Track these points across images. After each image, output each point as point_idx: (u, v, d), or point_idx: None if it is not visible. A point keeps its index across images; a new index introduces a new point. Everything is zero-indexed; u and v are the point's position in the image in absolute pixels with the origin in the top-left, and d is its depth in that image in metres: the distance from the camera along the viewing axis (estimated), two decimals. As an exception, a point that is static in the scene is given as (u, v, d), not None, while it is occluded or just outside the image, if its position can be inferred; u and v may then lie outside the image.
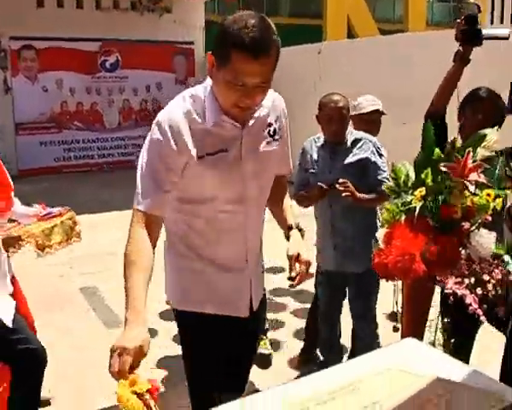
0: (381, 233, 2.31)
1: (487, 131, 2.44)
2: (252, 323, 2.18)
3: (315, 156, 3.25)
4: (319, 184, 3.13)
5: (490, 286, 2.24)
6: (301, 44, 9.89)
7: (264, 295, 2.31)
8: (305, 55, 9.59)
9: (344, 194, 3.01)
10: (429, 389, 1.55)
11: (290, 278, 1.99)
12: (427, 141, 2.30)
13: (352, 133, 3.23)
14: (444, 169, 2.24)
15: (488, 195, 2.33)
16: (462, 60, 2.67)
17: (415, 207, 2.19)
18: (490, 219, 2.38)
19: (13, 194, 3.22)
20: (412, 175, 2.30)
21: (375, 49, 8.69)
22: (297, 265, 1.96)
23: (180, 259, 2.06)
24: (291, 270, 2.00)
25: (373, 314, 3.33)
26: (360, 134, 3.24)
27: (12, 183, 3.11)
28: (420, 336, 2.32)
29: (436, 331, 2.49)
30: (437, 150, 2.28)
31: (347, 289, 3.38)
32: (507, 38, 2.64)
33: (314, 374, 1.71)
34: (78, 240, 3.44)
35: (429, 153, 2.29)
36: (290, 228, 2.12)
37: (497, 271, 2.26)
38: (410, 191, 2.27)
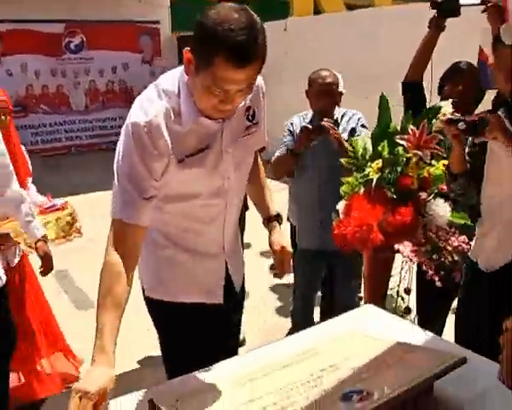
0: (341, 205, 2.37)
1: (442, 103, 2.52)
2: (233, 310, 2.12)
3: None
4: (304, 124, 3.14)
5: (446, 253, 2.33)
6: (268, 21, 9.88)
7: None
8: (271, 31, 9.56)
9: (332, 132, 2.98)
10: (385, 351, 1.62)
11: (274, 270, 2.03)
12: (383, 115, 2.36)
13: (338, 108, 3.26)
14: (400, 142, 2.32)
15: (444, 165, 2.42)
16: (436, 27, 2.73)
17: (372, 179, 2.26)
18: (446, 188, 2.47)
19: (30, 179, 3.40)
20: (370, 148, 2.37)
21: (340, 24, 8.71)
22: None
23: (156, 247, 1.95)
24: (276, 263, 2.03)
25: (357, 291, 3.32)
26: (346, 109, 3.27)
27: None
28: (381, 304, 2.39)
29: (397, 299, 2.57)
30: (393, 124, 2.35)
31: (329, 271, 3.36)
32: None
33: (278, 342, 1.78)
34: (78, 236, 3.46)
35: (385, 126, 2.35)
36: (270, 219, 2.10)
37: (453, 238, 2.34)
38: (368, 164, 2.34)
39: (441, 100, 2.75)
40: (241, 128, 1.85)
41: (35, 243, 2.85)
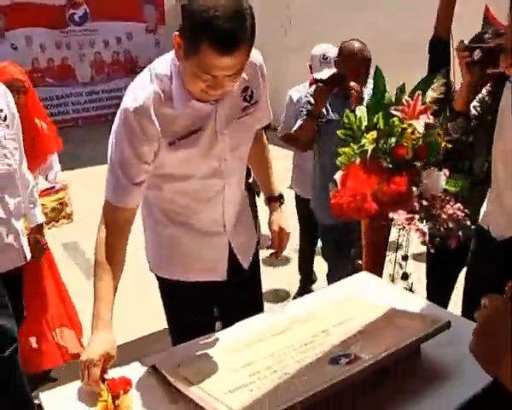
0: (338, 175, 2.43)
1: (437, 74, 2.55)
2: (241, 287, 2.12)
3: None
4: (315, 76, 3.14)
5: (441, 220, 2.38)
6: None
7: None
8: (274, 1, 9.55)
9: (353, 84, 2.99)
10: (376, 316, 1.71)
11: (271, 250, 2.10)
12: (378, 86, 2.40)
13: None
14: (394, 113, 2.36)
15: (438, 134, 2.46)
16: None
17: (367, 150, 2.31)
18: (441, 157, 2.52)
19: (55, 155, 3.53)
20: (365, 119, 2.41)
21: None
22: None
23: (157, 225, 2.01)
24: (274, 243, 2.10)
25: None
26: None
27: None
28: (379, 271, 2.47)
29: (395, 266, 2.64)
30: (387, 95, 2.39)
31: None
32: None
33: (275, 307, 1.87)
34: (67, 221, 3.50)
35: (380, 97, 2.40)
36: (271, 199, 2.16)
37: (448, 206, 2.40)
38: (364, 135, 2.39)
39: None
40: (238, 109, 1.85)
41: (30, 228, 2.93)
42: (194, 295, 2.02)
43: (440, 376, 1.55)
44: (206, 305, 2.10)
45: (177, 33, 1.59)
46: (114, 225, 1.72)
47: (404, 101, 2.37)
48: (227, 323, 1.99)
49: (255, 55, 1.82)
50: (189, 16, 1.53)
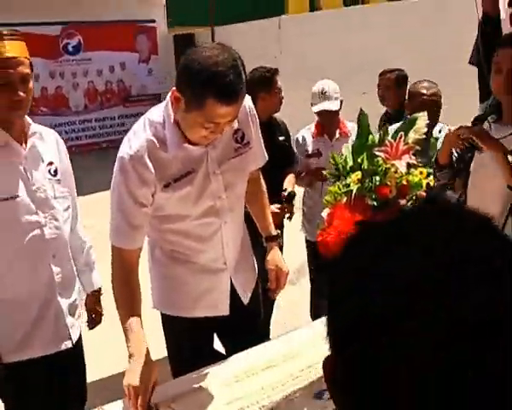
0: (325, 213, 2.53)
1: (418, 115, 2.68)
2: (241, 320, 2.16)
3: None
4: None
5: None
6: (262, 18, 10.02)
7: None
8: (264, 29, 9.73)
9: None
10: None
11: (269, 290, 2.17)
12: (362, 128, 2.52)
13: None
14: (378, 153, 2.48)
15: (421, 173, 2.58)
16: None
17: (352, 190, 2.42)
18: (425, 194, 2.64)
19: None
20: (350, 160, 2.53)
21: (336, 21, 8.80)
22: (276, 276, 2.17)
23: (160, 266, 2.11)
24: (271, 282, 2.17)
25: None
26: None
27: None
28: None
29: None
30: (371, 136, 2.51)
31: None
32: None
33: (260, 346, 1.96)
34: None
35: (365, 139, 2.52)
36: (268, 239, 2.23)
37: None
38: (349, 174, 2.50)
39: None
40: (230, 150, 1.99)
41: (86, 296, 2.49)
42: (194, 326, 2.11)
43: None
44: (206, 334, 2.19)
45: (174, 89, 1.74)
46: (123, 264, 1.86)
47: (387, 142, 2.49)
48: (226, 347, 2.20)
49: (245, 99, 1.93)
50: (189, 73, 1.68)
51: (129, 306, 1.79)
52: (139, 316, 1.79)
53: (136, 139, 1.84)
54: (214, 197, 1.96)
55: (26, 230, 2.03)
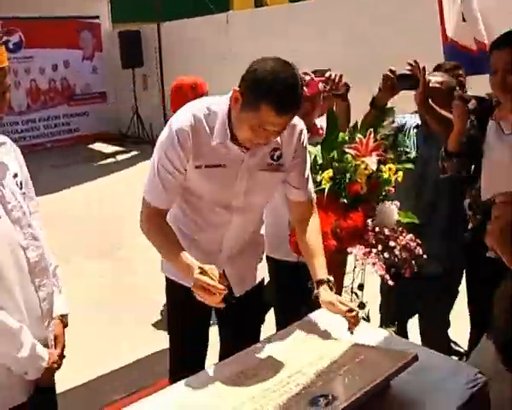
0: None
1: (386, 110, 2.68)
2: (233, 312, 2.15)
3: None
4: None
5: (396, 251, 2.49)
6: (206, 14, 9.94)
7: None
8: (212, 25, 9.66)
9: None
10: (344, 353, 1.78)
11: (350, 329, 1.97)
12: (331, 125, 2.50)
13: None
14: (348, 151, 2.47)
15: (390, 169, 2.58)
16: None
17: (324, 189, 2.40)
18: (393, 190, 2.64)
19: None
20: (319, 158, 2.51)
21: (284, 17, 8.80)
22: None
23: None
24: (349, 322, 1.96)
25: None
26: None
27: None
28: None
29: (352, 295, 2.73)
30: (341, 134, 2.50)
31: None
32: None
33: (243, 351, 1.91)
34: None
35: (334, 136, 2.50)
36: (320, 282, 2.05)
37: (401, 237, 2.51)
38: (320, 172, 2.48)
39: None
40: (263, 162, 2.08)
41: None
42: (191, 297, 2.02)
43: (411, 406, 1.63)
44: (201, 310, 2.13)
45: (236, 89, 1.87)
46: (149, 218, 2.04)
47: (357, 139, 2.48)
48: (223, 325, 2.44)
49: (297, 120, 2.09)
50: (253, 77, 1.82)
51: (166, 237, 2.00)
52: (179, 246, 1.97)
53: (188, 114, 1.99)
54: (232, 196, 2.09)
55: (8, 255, 1.74)
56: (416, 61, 2.74)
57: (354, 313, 1.94)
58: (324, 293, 2.00)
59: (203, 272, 1.81)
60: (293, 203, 2.23)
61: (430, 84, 2.70)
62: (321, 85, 2.68)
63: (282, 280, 2.93)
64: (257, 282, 2.42)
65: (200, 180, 2.04)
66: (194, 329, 2.36)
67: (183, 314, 2.33)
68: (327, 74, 2.70)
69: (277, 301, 3.09)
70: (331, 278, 2.09)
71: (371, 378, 1.55)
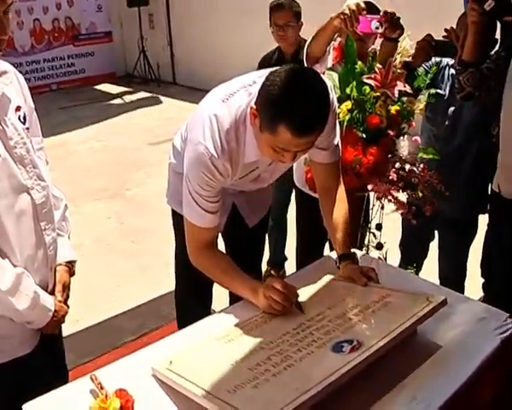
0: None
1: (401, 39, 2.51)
2: (244, 237, 2.30)
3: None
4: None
5: (419, 189, 2.37)
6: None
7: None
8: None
9: None
10: (367, 296, 1.67)
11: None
12: (349, 54, 2.34)
13: None
14: (367, 81, 2.32)
15: (410, 102, 2.43)
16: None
17: (342, 122, 2.26)
18: (414, 125, 2.50)
19: None
20: (337, 89, 2.36)
21: None
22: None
23: (178, 173, 2.06)
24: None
25: None
26: None
27: None
28: (354, 240, 2.43)
29: (369, 234, 2.63)
30: (359, 63, 2.34)
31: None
32: None
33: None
34: None
35: (352, 66, 2.34)
36: (342, 257, 1.90)
37: (423, 174, 2.39)
38: (338, 105, 2.33)
39: None
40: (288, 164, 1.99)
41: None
42: None
43: (438, 354, 1.53)
44: None
45: (253, 106, 1.65)
46: (206, 243, 1.85)
47: (376, 69, 2.33)
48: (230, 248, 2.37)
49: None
50: (269, 94, 1.58)
51: (221, 268, 1.84)
52: (236, 273, 1.81)
53: (215, 139, 1.74)
54: (252, 174, 1.98)
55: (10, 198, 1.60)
56: (452, 28, 2.60)
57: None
58: (344, 269, 1.85)
59: (268, 287, 1.67)
60: (317, 166, 2.01)
61: None
62: (373, 25, 2.35)
63: (307, 213, 2.82)
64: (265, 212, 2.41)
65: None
66: None
67: None
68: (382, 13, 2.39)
69: (301, 232, 3.09)
70: (355, 252, 1.96)
71: (399, 323, 1.45)
